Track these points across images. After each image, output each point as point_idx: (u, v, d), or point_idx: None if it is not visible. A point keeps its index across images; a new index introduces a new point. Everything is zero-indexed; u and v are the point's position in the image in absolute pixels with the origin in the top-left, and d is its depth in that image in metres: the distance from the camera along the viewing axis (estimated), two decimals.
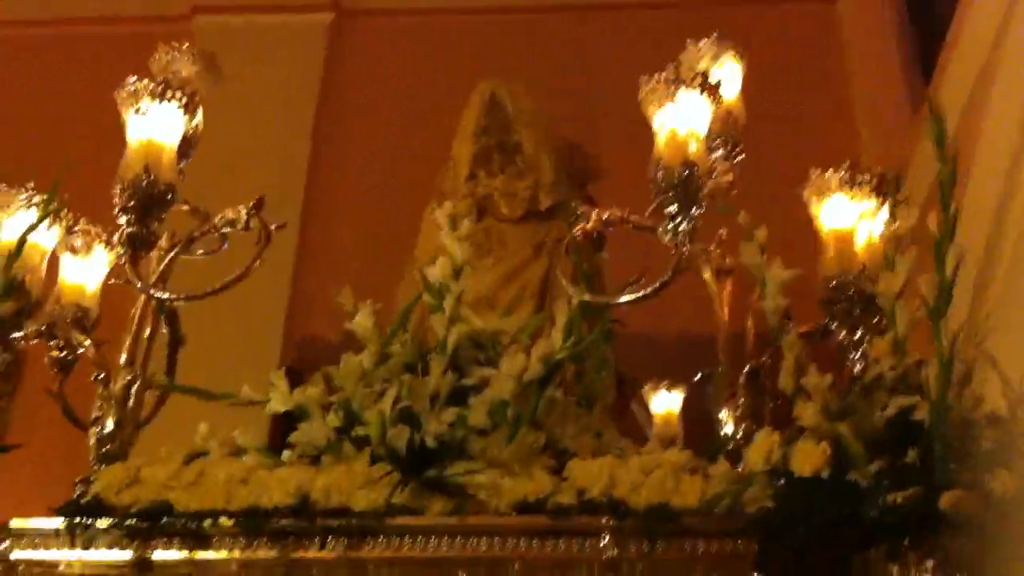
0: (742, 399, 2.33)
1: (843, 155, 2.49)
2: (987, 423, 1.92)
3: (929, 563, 1.78)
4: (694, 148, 2.34)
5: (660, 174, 2.30)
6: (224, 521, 2.03)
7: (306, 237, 4.95)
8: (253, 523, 2.02)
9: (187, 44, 2.84)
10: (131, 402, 2.42)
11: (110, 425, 2.39)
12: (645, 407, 4.22)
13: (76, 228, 2.71)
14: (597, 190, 3.76)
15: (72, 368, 2.70)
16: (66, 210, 2.61)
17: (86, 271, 2.82)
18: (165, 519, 2.04)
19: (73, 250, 2.80)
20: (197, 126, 2.74)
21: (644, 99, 2.40)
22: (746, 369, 2.37)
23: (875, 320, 2.26)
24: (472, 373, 2.37)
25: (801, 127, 4.64)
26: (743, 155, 2.75)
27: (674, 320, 3.89)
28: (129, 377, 2.44)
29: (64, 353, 2.69)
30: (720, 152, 2.71)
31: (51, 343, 2.66)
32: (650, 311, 3.45)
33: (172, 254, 2.60)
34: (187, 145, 2.67)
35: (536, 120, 3.74)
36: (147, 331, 2.58)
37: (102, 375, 2.48)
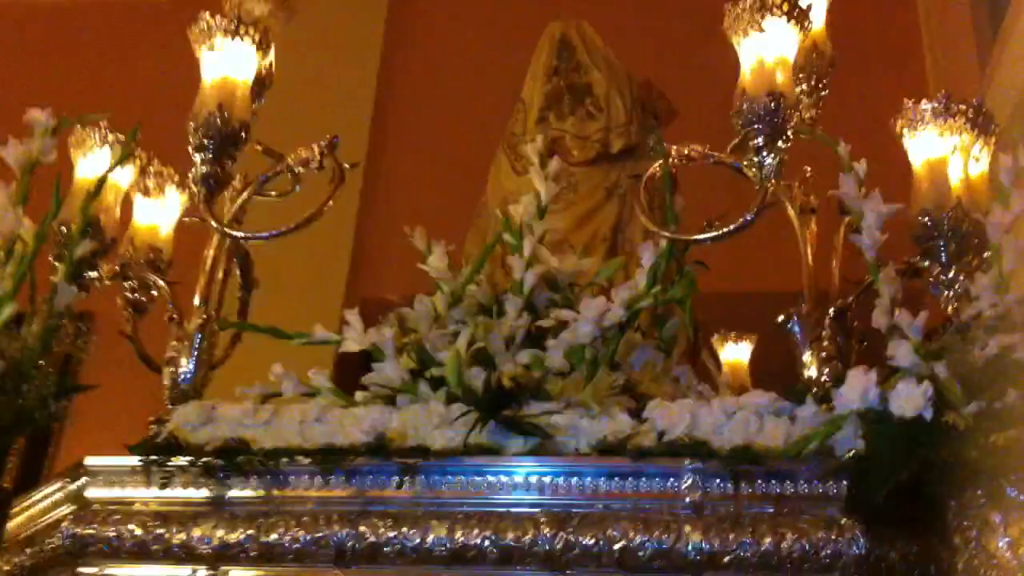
0: (827, 341, 2.25)
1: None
2: None
3: None
4: (781, 78, 2.24)
5: (745, 105, 2.22)
6: (300, 459, 2.00)
7: (371, 182, 4.93)
8: (329, 461, 1.99)
9: None
10: (204, 343, 2.40)
11: (184, 365, 2.37)
12: (715, 356, 4.15)
13: (150, 168, 2.69)
14: (669, 133, 3.67)
15: (146, 309, 2.70)
16: (140, 150, 2.59)
17: (159, 213, 2.81)
18: (241, 457, 2.01)
19: (146, 191, 2.80)
20: (271, 65, 2.71)
21: (728, 27, 2.31)
22: (832, 309, 2.29)
23: (970, 259, 2.17)
24: (549, 315, 2.32)
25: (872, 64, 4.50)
26: (827, 91, 2.64)
27: (752, 266, 3.81)
28: (203, 317, 2.41)
29: (137, 294, 2.69)
30: (804, 87, 2.61)
31: (125, 284, 2.66)
32: (728, 256, 3.39)
33: (246, 194, 2.57)
34: (260, 85, 2.64)
35: (607, 61, 3.64)
36: (220, 272, 2.56)
37: (176, 316, 2.46)
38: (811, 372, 2.25)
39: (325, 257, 4.80)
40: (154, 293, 2.68)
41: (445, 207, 4.11)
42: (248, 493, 2.01)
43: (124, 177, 2.57)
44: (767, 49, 2.25)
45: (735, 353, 4.41)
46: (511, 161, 3.59)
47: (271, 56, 2.72)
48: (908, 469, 1.72)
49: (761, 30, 2.26)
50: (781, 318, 2.29)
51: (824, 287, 2.42)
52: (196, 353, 2.39)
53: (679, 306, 2.37)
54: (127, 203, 2.75)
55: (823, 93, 2.64)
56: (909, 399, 1.74)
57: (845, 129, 2.50)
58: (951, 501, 1.81)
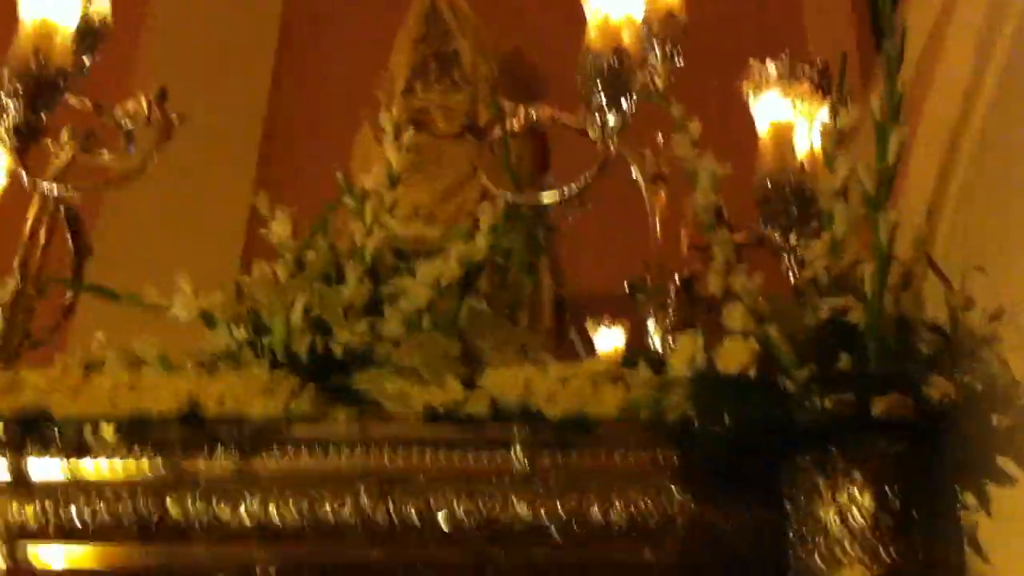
0: (672, 310, 2.20)
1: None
2: (926, 327, 1.78)
3: (857, 473, 1.65)
4: (627, 36, 2.17)
5: (589, 63, 2.14)
6: (105, 427, 1.87)
7: (264, 169, 4.84)
8: (136, 430, 1.86)
9: None
10: (18, 310, 2.24)
11: None
12: (587, 339, 4.09)
13: None
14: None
15: None
16: None
17: None
18: (41, 425, 1.87)
19: None
20: (106, 18, 2.56)
21: None
22: (676, 277, 2.23)
23: (813, 224, 2.13)
24: (389, 283, 2.22)
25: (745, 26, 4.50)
26: (680, 59, 2.58)
27: (618, 242, 3.76)
28: (18, 282, 2.26)
29: None
30: (658, 52, 2.55)
31: None
32: (592, 231, 3.34)
33: (69, 151, 2.41)
34: (93, 36, 2.49)
35: (475, 29, 3.57)
36: (42, 235, 2.41)
37: None
38: (656, 342, 2.19)
39: (217, 238, 4.70)
40: None
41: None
42: (47, 464, 1.87)
43: None
44: (613, 6, 2.17)
45: (610, 339, 4.36)
46: (374, 132, 3.49)
47: (105, 6, 2.57)
48: (735, 431, 1.66)
49: None
50: (627, 286, 2.23)
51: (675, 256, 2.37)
52: (10, 321, 2.23)
53: (516, 264, 2.30)
54: None
55: (677, 62, 2.57)
56: (734, 356, 1.69)
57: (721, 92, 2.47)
58: (783, 469, 1.76)
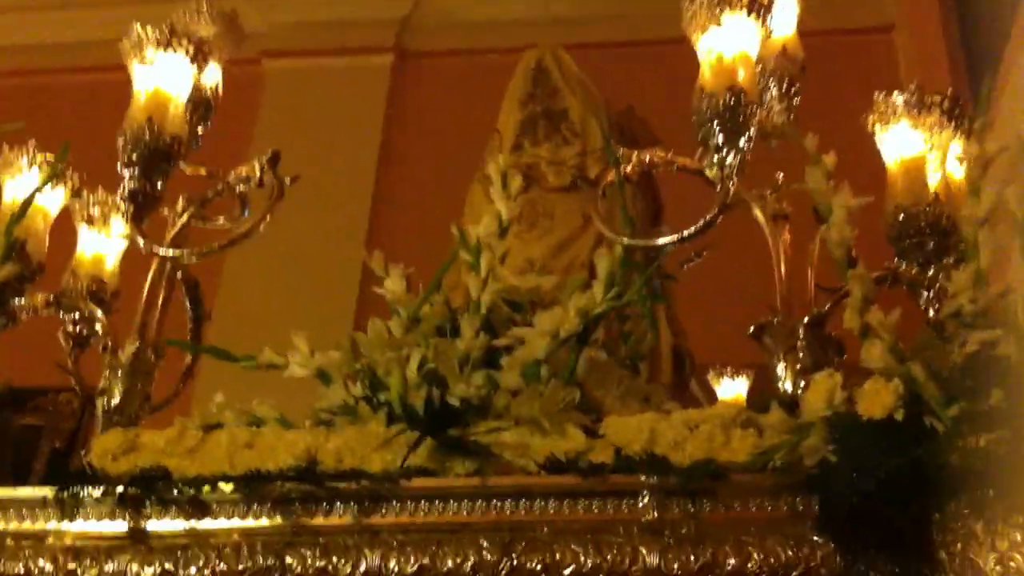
0: (802, 352, 2.09)
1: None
2: None
3: (1018, 517, 1.52)
4: (743, 75, 2.11)
5: (704, 103, 2.08)
6: (224, 486, 1.84)
7: (375, 232, 4.91)
8: (255, 488, 1.82)
9: (205, 3, 2.70)
10: (138, 371, 2.25)
11: (117, 396, 2.22)
12: (709, 389, 3.97)
13: (87, 194, 2.57)
14: None
15: (88, 343, 2.56)
16: (71, 171, 2.46)
17: (104, 243, 2.69)
18: (160, 485, 1.85)
19: (90, 221, 2.68)
20: (216, 87, 2.60)
21: (687, 26, 2.18)
22: (806, 319, 2.12)
23: (950, 258, 2.01)
24: (506, 334, 2.17)
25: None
26: (799, 96, 2.49)
27: (740, 288, 3.66)
28: (136, 344, 2.27)
29: (79, 327, 2.56)
30: (774, 91, 2.47)
31: (63, 317, 2.53)
32: (713, 284, 3.24)
33: (185, 216, 2.44)
34: (204, 106, 2.54)
35: (583, 86, 3.53)
36: (160, 298, 2.42)
37: (109, 344, 2.32)
38: (786, 385, 2.08)
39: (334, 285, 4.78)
40: (97, 328, 2.54)
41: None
42: (167, 524, 1.84)
43: (55, 203, 2.44)
44: (726, 45, 2.11)
45: (732, 389, 4.23)
46: (485, 189, 3.47)
47: (217, 77, 2.61)
48: (877, 475, 1.54)
49: (719, 24, 2.13)
50: (752, 329, 2.13)
51: (801, 297, 2.26)
52: (130, 382, 2.24)
53: (644, 317, 2.23)
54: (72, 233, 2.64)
55: (795, 99, 2.49)
56: (877, 398, 1.58)
57: (825, 139, 2.39)
58: (935, 514, 1.64)
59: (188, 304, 2.62)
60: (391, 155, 5.29)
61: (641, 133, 3.72)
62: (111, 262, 2.71)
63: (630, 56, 5.25)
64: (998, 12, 3.52)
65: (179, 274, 2.58)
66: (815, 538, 1.66)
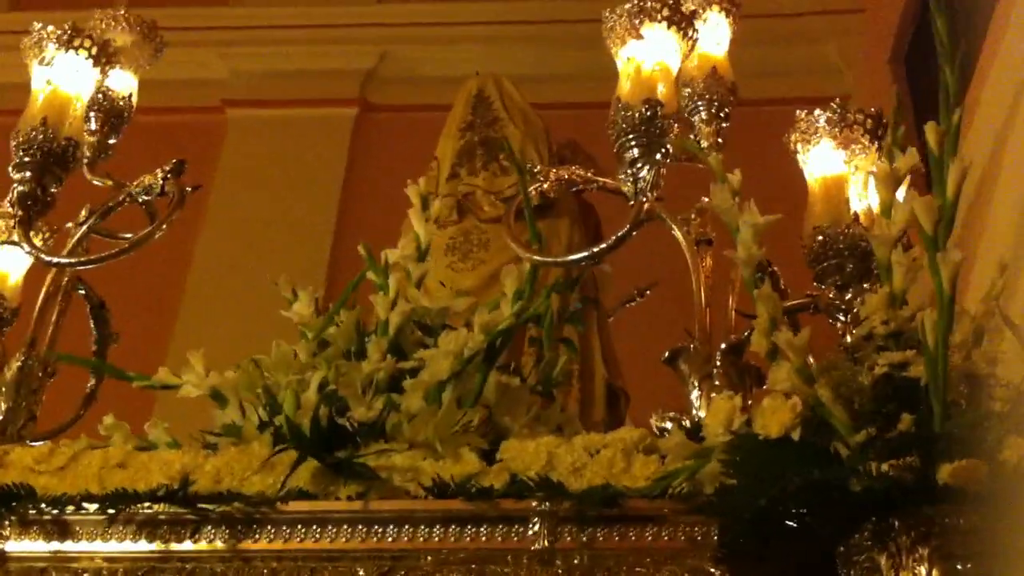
0: (718, 379, 1.99)
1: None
2: (999, 383, 1.55)
3: (923, 549, 1.41)
4: (662, 88, 2.03)
5: (620, 115, 2.00)
6: (88, 506, 1.71)
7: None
8: (120, 509, 1.70)
9: (123, 10, 2.62)
10: (24, 387, 2.12)
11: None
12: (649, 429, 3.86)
13: None
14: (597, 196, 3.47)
15: None
16: None
17: (7, 258, 2.57)
18: (21, 504, 1.72)
19: None
20: (129, 96, 2.51)
21: (607, 37, 2.10)
22: (723, 345, 2.03)
23: (870, 282, 1.92)
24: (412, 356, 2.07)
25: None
26: (727, 121, 2.41)
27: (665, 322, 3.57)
28: (21, 360, 2.14)
29: None
30: (703, 114, 2.39)
31: None
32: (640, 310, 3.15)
33: (85, 227, 2.33)
34: (115, 115, 2.45)
35: (525, 115, 3.44)
36: (54, 313, 2.30)
37: None
38: (700, 414, 1.98)
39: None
40: None
41: None
42: (27, 546, 1.71)
43: None
44: (645, 56, 2.03)
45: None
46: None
47: (131, 85, 2.52)
48: (771, 492, 1.43)
49: (640, 38, 2.06)
50: (667, 354, 2.03)
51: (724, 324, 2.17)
52: (15, 399, 2.11)
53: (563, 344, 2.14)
54: None
55: (724, 124, 2.41)
56: (774, 416, 1.48)
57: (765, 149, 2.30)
58: (839, 547, 1.53)
59: (92, 324, 2.51)
60: (351, 206, 5.25)
61: (586, 165, 3.64)
62: (14, 278, 2.58)
63: (595, 117, 5.21)
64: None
65: (82, 293, 2.47)
66: (712, 570, 1.55)
